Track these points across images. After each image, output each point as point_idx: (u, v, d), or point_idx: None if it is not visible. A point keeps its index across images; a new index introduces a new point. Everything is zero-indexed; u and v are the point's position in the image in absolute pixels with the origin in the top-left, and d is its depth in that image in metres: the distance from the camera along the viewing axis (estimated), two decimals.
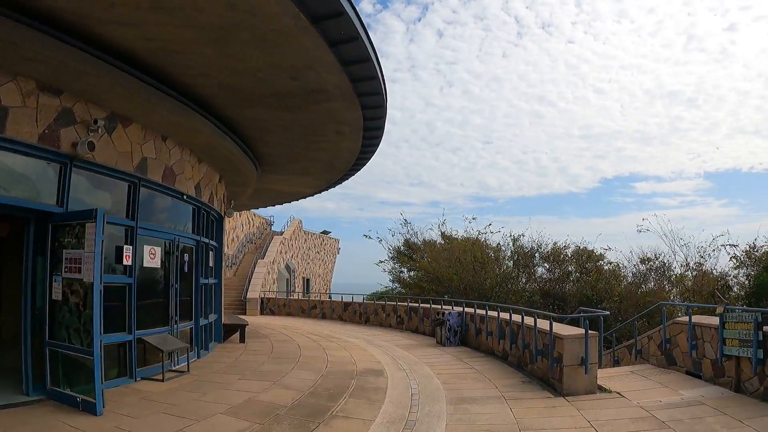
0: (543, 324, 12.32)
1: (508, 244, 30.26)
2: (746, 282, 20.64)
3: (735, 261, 20.84)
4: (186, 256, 14.48)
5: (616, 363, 15.61)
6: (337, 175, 20.79)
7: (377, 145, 16.69)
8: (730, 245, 21.34)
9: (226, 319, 19.86)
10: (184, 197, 14.19)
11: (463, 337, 18.28)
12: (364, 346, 17.86)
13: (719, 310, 10.85)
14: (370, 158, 18.30)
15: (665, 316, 13.19)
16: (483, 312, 16.99)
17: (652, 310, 16.34)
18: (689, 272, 21.44)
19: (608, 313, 11.05)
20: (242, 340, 18.36)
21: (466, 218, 32.39)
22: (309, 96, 11.57)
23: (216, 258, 18.20)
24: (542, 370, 12.05)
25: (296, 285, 53.20)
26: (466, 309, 18.56)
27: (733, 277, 20.99)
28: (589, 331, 10.97)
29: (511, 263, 29.23)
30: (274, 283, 43.35)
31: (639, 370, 12.85)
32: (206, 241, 16.12)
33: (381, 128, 14.98)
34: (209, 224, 16.83)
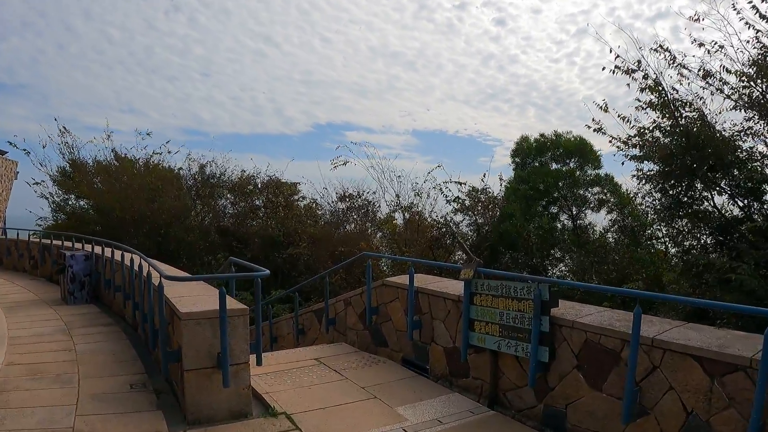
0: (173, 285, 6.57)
1: (190, 169, 23.73)
2: (473, 233, 15.53)
3: (457, 203, 15.53)
4: None
5: (301, 333, 10.63)
6: None
7: None
8: (456, 182, 15.75)
9: None
10: None
11: (96, 290, 12.25)
12: None
13: (466, 273, 6.18)
14: None
15: (371, 275, 8.37)
16: (113, 254, 11.08)
17: (354, 263, 11.69)
18: (400, 212, 17.44)
19: (267, 272, 5.60)
20: None
21: (140, 135, 24.60)
22: None
23: None
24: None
25: None
26: (98, 249, 12.22)
27: (459, 223, 16.00)
28: (237, 305, 5.57)
29: (192, 193, 22.70)
30: None
31: (330, 357, 7.91)
32: None
33: None
34: None
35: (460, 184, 15.19)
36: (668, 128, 9.64)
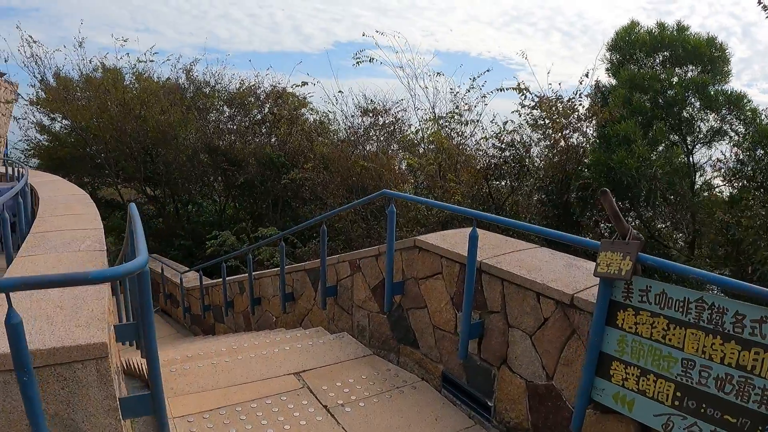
0: None
1: (178, 79, 20.37)
2: (550, 163, 10.38)
3: (531, 114, 10.59)
4: None
5: (289, 299, 7.65)
6: None
7: None
8: (519, 89, 10.79)
9: None
10: None
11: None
12: None
13: (614, 263, 2.98)
14: None
15: (394, 228, 5.22)
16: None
17: (373, 202, 8.54)
18: (434, 127, 13.65)
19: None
20: None
21: (117, 40, 20.87)
22: None
23: None
24: None
25: None
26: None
27: (522, 143, 10.77)
28: (88, 337, 2.56)
29: (184, 107, 19.27)
30: None
31: (323, 370, 4.90)
32: None
33: None
34: None
35: (522, 91, 11.28)
36: None
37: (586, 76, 11.07)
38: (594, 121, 9.98)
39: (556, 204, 9.76)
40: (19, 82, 27.87)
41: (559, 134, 9.95)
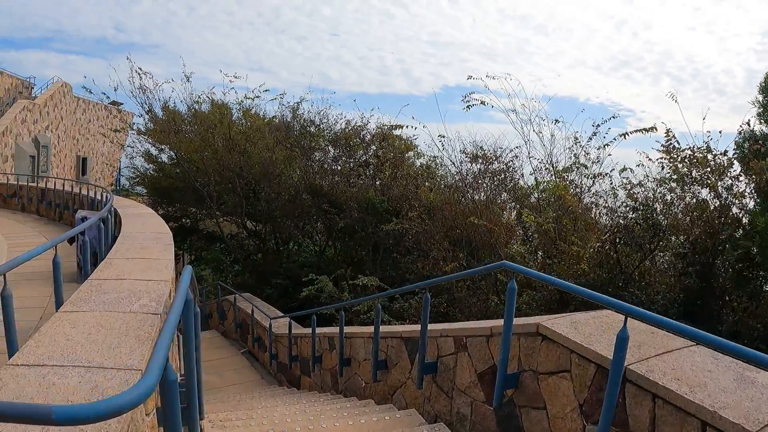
0: None
1: (284, 117, 20.69)
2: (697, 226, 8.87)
3: (675, 167, 9.36)
4: None
5: (382, 367, 6.96)
6: None
7: None
8: (668, 135, 9.72)
9: None
10: None
11: None
12: None
13: None
14: None
15: (513, 306, 4.42)
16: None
17: (488, 272, 7.71)
18: (553, 178, 12.51)
19: None
20: None
21: (229, 76, 20.94)
22: None
23: None
24: None
25: (50, 164, 40.00)
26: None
27: (660, 201, 9.46)
28: None
29: (288, 145, 19.29)
30: (6, 161, 32.30)
31: None
32: None
33: None
34: None
35: (647, 131, 10.24)
36: None
37: (748, 124, 9.84)
38: (755, 178, 8.62)
39: (701, 275, 8.53)
40: (133, 112, 29.37)
41: (712, 192, 8.81)
